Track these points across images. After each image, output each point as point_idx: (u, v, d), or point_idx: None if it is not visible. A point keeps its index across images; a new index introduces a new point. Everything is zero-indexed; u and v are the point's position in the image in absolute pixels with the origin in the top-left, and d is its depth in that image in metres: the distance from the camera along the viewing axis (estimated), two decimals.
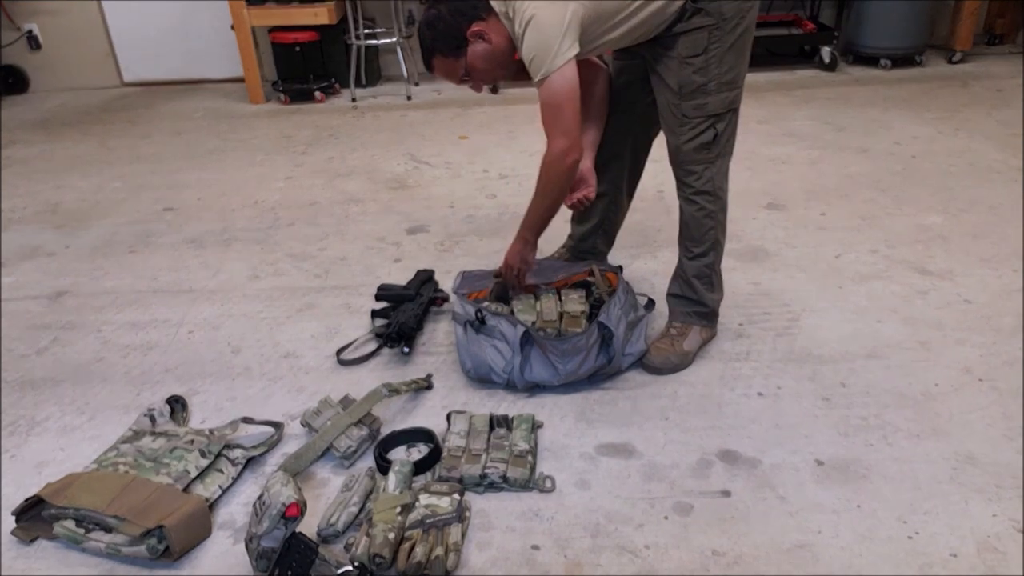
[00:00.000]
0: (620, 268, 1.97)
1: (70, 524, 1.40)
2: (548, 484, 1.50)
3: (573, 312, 1.84)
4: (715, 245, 1.82)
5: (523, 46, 1.60)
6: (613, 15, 1.61)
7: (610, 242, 2.14)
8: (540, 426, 1.65)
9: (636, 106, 1.86)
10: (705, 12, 1.60)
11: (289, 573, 1.23)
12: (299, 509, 1.24)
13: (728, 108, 1.69)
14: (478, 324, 1.75)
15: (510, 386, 1.76)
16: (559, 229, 2.30)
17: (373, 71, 4.57)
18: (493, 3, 1.64)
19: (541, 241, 2.50)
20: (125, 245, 2.65)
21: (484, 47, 1.67)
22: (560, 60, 1.56)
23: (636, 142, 1.95)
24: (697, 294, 1.85)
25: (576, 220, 2.12)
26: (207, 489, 1.49)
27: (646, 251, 2.40)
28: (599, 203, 2.04)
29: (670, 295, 1.92)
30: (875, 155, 3.10)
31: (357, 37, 4.24)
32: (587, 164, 1.90)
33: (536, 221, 1.81)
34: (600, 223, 2.08)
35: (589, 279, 1.96)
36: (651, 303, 2.03)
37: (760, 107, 3.75)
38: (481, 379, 1.79)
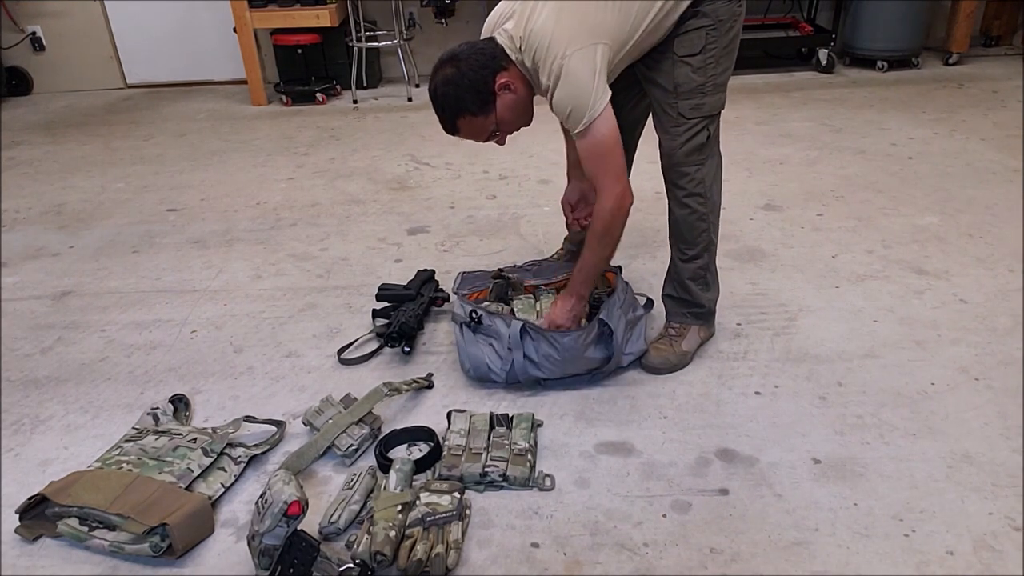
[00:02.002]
0: (619, 268, 1.98)
1: (73, 522, 1.41)
2: (548, 482, 1.51)
3: None
4: (708, 246, 1.81)
5: (555, 98, 1.54)
6: (630, 38, 1.58)
7: None
8: (540, 425, 1.66)
9: (621, 112, 1.87)
10: (702, 14, 1.60)
11: (291, 571, 1.24)
12: (301, 507, 1.25)
13: (719, 110, 1.70)
14: (474, 324, 1.76)
15: (510, 384, 1.77)
16: (558, 233, 2.32)
17: (374, 73, 4.59)
18: (507, 49, 1.60)
19: (541, 242, 2.52)
20: (129, 245, 2.67)
21: (512, 97, 1.61)
22: (600, 105, 1.52)
23: (624, 146, 1.96)
24: (692, 295, 1.86)
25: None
26: (210, 487, 1.50)
27: (644, 251, 2.41)
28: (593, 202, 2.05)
29: (665, 296, 1.92)
30: (872, 156, 3.12)
31: (358, 39, 4.26)
32: (587, 184, 1.92)
33: (595, 274, 1.74)
34: None
35: None
36: (650, 303, 2.04)
37: (758, 108, 3.77)
38: (480, 379, 1.80)
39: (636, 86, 1.77)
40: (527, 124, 1.71)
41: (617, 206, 1.62)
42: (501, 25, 1.63)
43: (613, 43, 1.55)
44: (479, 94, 1.59)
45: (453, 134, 1.68)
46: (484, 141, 1.71)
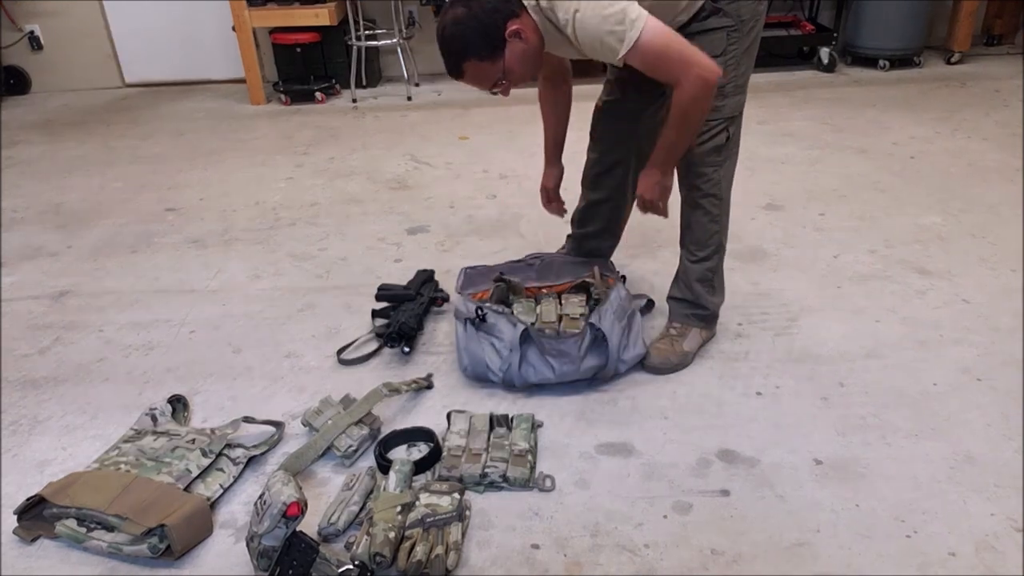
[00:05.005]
0: (623, 278, 1.95)
1: (72, 523, 1.40)
2: (548, 483, 1.50)
3: (572, 314, 1.85)
4: (719, 248, 1.81)
5: (582, 30, 1.45)
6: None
7: (615, 241, 2.14)
8: (540, 425, 1.66)
9: (640, 114, 1.86)
10: (723, 13, 1.56)
11: (290, 572, 1.24)
12: (300, 508, 1.24)
13: (739, 111, 1.68)
14: (478, 321, 1.75)
15: (507, 385, 1.77)
16: (558, 232, 2.31)
17: (374, 72, 4.58)
18: None
19: (541, 242, 2.51)
20: (127, 245, 2.66)
21: (522, 47, 1.54)
22: (640, 23, 1.41)
23: (640, 148, 1.95)
24: (697, 297, 1.85)
25: (577, 223, 2.12)
26: (208, 488, 1.50)
27: (646, 251, 2.41)
28: (603, 208, 2.04)
29: (670, 298, 1.92)
30: (874, 155, 3.11)
31: (358, 38, 4.25)
32: (551, 183, 2.03)
33: (676, 152, 1.63)
34: (605, 227, 2.08)
35: (589, 280, 1.96)
36: (650, 303, 2.04)
37: (759, 108, 3.76)
38: (478, 378, 1.80)
39: (659, 87, 1.74)
40: (534, 77, 1.65)
41: (700, 92, 1.48)
42: None
43: None
44: (489, 38, 1.51)
45: (458, 78, 1.60)
46: (488, 89, 1.63)
